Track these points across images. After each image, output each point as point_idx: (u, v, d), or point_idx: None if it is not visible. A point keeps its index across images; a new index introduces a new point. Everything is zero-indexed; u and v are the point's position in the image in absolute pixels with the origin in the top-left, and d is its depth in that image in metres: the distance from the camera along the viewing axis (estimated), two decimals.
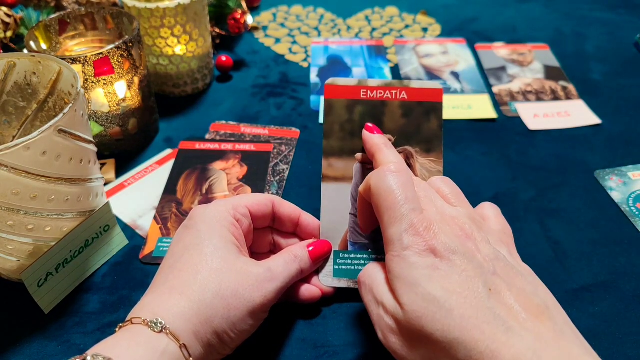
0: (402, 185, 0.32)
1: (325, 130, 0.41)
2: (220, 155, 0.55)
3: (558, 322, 0.28)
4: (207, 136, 0.58)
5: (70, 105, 0.36)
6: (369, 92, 0.41)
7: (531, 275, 0.31)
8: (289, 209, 0.41)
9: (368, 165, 0.41)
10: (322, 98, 0.64)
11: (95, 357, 0.28)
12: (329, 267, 0.40)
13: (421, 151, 0.41)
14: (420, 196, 0.33)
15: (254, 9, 0.86)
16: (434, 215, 0.32)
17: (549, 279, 0.43)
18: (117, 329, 0.31)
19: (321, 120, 0.61)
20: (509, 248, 0.33)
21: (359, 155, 0.41)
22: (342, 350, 0.38)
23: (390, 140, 0.41)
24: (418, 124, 0.41)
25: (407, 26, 0.81)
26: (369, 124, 0.40)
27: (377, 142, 0.38)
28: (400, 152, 0.41)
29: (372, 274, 0.33)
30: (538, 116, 0.61)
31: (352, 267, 0.40)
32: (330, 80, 0.41)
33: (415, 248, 0.30)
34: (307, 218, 0.41)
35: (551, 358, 0.25)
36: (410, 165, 0.41)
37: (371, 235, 0.40)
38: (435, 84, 0.41)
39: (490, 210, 0.36)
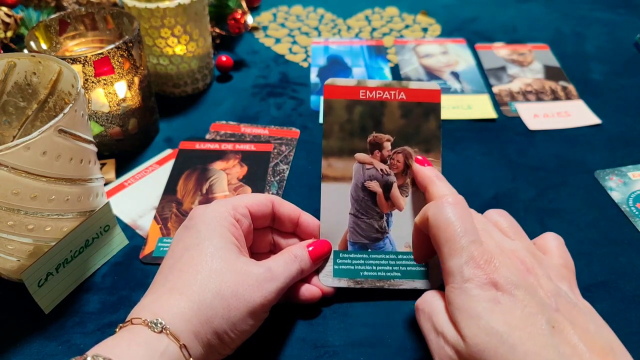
0: (460, 217, 0.32)
1: (325, 131, 0.42)
2: (221, 155, 0.55)
3: None
4: (207, 136, 0.58)
5: (71, 105, 0.36)
6: (368, 92, 0.41)
7: (594, 314, 0.30)
8: (288, 209, 0.41)
9: (367, 166, 0.41)
10: (322, 98, 0.64)
11: (96, 358, 0.28)
12: (329, 267, 0.40)
13: (420, 151, 0.41)
14: (478, 229, 0.32)
15: (254, 9, 0.86)
16: (494, 248, 0.31)
17: None
18: (117, 329, 0.31)
19: (321, 120, 0.61)
20: (570, 284, 0.32)
21: (358, 156, 0.41)
22: (342, 350, 0.38)
23: (389, 140, 0.41)
24: (417, 124, 0.41)
25: (407, 26, 0.81)
26: (419, 157, 0.40)
27: (430, 174, 0.38)
28: (399, 152, 0.41)
29: (431, 302, 0.33)
30: (538, 116, 0.61)
31: (352, 267, 0.40)
32: (329, 81, 0.42)
33: (477, 281, 0.30)
34: (306, 218, 0.41)
35: None
36: (409, 166, 0.41)
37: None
38: (433, 85, 0.41)
39: (552, 242, 0.35)
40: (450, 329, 0.30)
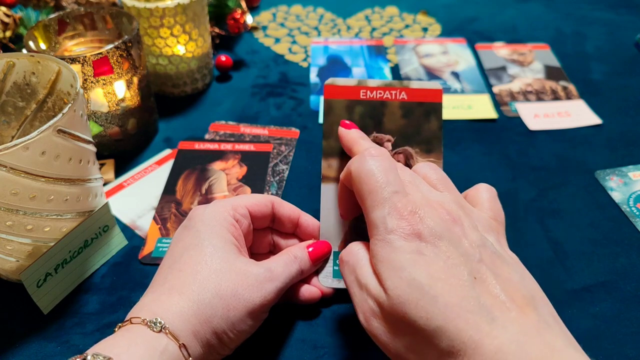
0: (383, 168, 0.32)
1: (325, 131, 0.41)
2: (220, 155, 0.55)
3: (543, 313, 0.27)
4: (207, 136, 0.58)
5: (70, 105, 0.36)
6: (368, 92, 0.41)
7: (518, 265, 0.31)
8: (288, 209, 0.41)
9: None
10: (321, 98, 0.64)
11: (95, 357, 0.28)
12: (329, 267, 0.40)
13: (421, 152, 0.41)
14: (404, 181, 0.32)
15: (253, 9, 0.86)
16: (420, 199, 0.31)
17: (549, 279, 0.43)
18: (116, 329, 0.31)
19: (321, 120, 0.61)
20: (497, 235, 0.32)
21: None
22: (341, 350, 0.38)
23: (390, 141, 0.41)
24: (418, 124, 0.41)
25: (407, 26, 0.81)
26: (345, 121, 0.39)
27: (354, 135, 0.38)
28: (400, 153, 0.41)
29: (356, 254, 0.33)
30: (538, 116, 0.61)
31: None
32: (329, 81, 0.41)
33: (400, 232, 0.29)
34: (306, 219, 0.41)
35: (534, 350, 0.25)
36: (409, 166, 0.41)
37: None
38: (435, 85, 0.41)
39: (484, 194, 0.35)
40: (373, 282, 0.30)
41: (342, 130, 0.39)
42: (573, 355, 0.26)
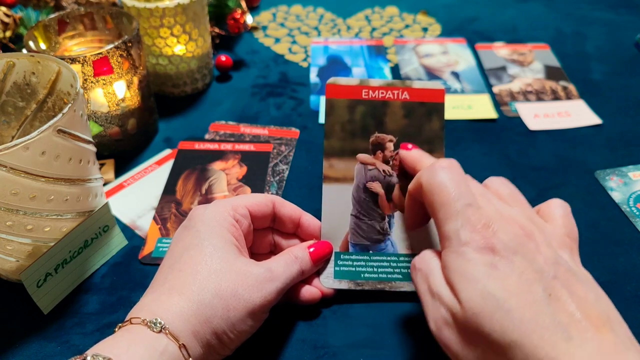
0: (455, 180, 0.32)
1: (327, 131, 0.41)
2: (220, 155, 0.55)
3: (620, 334, 0.27)
4: (207, 136, 0.58)
5: (70, 105, 0.36)
6: (370, 92, 0.41)
7: (593, 283, 0.30)
8: (290, 209, 0.40)
9: (369, 167, 0.41)
10: (321, 98, 0.64)
11: (95, 357, 0.28)
12: (330, 268, 0.40)
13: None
14: (475, 194, 0.32)
15: (253, 9, 0.86)
16: (493, 213, 0.30)
17: None
18: (116, 329, 0.31)
19: (321, 120, 0.61)
20: (571, 252, 0.31)
21: (360, 156, 0.41)
22: (341, 351, 0.38)
23: (392, 141, 0.41)
24: (420, 124, 0.41)
25: (407, 26, 0.81)
26: (407, 145, 0.39)
27: (417, 155, 0.38)
28: None
29: (428, 262, 0.32)
30: (538, 116, 0.61)
31: (353, 269, 0.40)
32: (331, 80, 0.41)
33: (474, 245, 0.29)
34: (308, 219, 0.41)
35: None
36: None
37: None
38: (437, 85, 0.41)
39: (557, 210, 0.34)
40: (446, 291, 0.30)
41: (403, 152, 0.39)
42: None
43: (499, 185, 0.35)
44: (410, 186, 0.35)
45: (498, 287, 0.27)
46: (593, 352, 0.25)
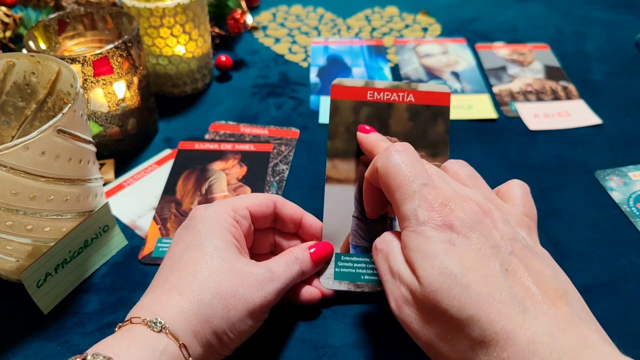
0: (410, 161, 0.32)
1: (331, 131, 0.41)
2: (220, 155, 0.55)
3: (575, 307, 0.27)
4: (207, 136, 0.58)
5: (70, 105, 0.36)
6: (375, 93, 0.41)
7: (549, 259, 0.31)
8: (291, 209, 0.40)
9: None
10: (321, 98, 0.64)
11: (95, 357, 0.28)
12: (330, 269, 0.40)
13: (427, 155, 0.40)
14: (431, 174, 0.32)
15: (253, 9, 0.86)
16: (449, 192, 0.31)
17: None
18: (116, 329, 0.31)
19: (321, 120, 0.61)
20: (529, 231, 0.32)
21: (363, 158, 0.41)
22: (341, 351, 0.38)
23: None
24: (424, 127, 0.40)
25: (407, 26, 0.81)
26: (365, 126, 0.40)
27: (374, 138, 0.38)
28: None
29: (389, 242, 0.33)
30: (538, 116, 0.61)
31: (354, 270, 0.40)
32: (336, 81, 0.41)
33: (432, 223, 0.29)
34: (310, 219, 0.41)
35: (567, 342, 0.25)
36: None
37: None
38: (443, 88, 0.40)
39: (516, 190, 0.35)
40: (405, 270, 0.30)
41: (360, 135, 0.39)
42: (606, 349, 0.26)
43: (457, 167, 0.36)
44: (367, 172, 0.36)
45: (455, 263, 0.28)
46: (548, 324, 0.26)
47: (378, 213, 0.39)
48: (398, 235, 0.33)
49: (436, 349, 0.29)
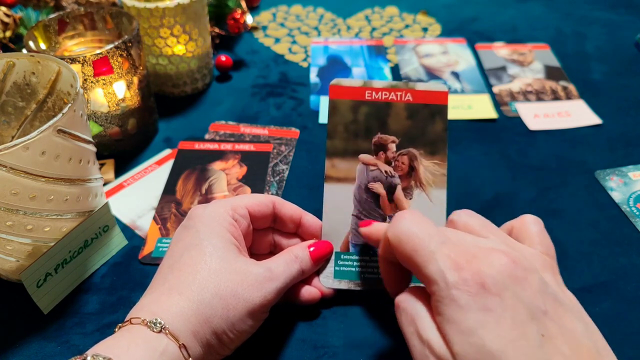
0: (418, 223, 0.30)
1: (329, 131, 0.41)
2: (220, 155, 0.55)
3: None
4: (207, 136, 0.58)
5: (70, 105, 0.36)
6: (374, 93, 0.41)
7: (578, 308, 0.30)
8: (290, 209, 0.40)
9: (371, 167, 0.41)
10: (321, 98, 0.64)
11: (95, 357, 0.28)
12: (330, 268, 0.40)
13: (425, 153, 0.41)
14: (445, 232, 0.31)
15: (253, 9, 0.86)
16: (471, 247, 0.29)
17: None
18: (116, 329, 0.31)
19: (321, 120, 0.61)
20: (552, 272, 0.31)
21: (362, 157, 0.41)
22: (341, 351, 0.38)
23: (394, 142, 0.41)
24: (423, 126, 0.41)
25: (407, 26, 0.81)
26: (362, 223, 0.38)
27: (376, 226, 0.36)
28: (404, 154, 0.41)
29: (414, 304, 0.30)
30: (538, 116, 0.61)
31: (353, 269, 0.40)
32: (335, 81, 0.41)
33: (464, 286, 0.27)
34: (309, 218, 0.41)
35: None
36: (414, 168, 0.41)
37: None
38: (441, 87, 0.41)
39: (532, 226, 0.33)
40: (437, 340, 0.28)
41: (364, 229, 0.37)
42: None
43: (467, 218, 0.33)
44: (380, 249, 0.34)
45: (494, 337, 0.26)
46: None
47: (401, 289, 0.35)
48: (422, 293, 0.31)
49: None
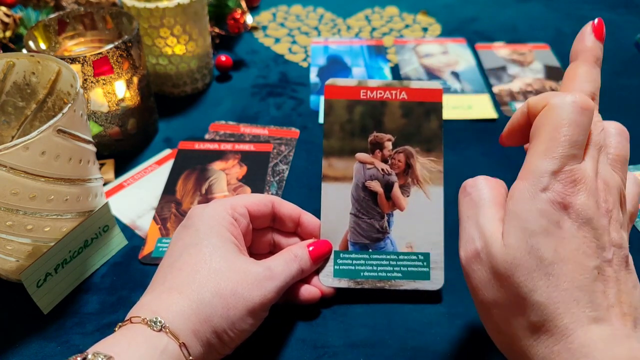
0: (580, 125, 0.28)
1: (326, 130, 0.42)
2: (220, 155, 0.55)
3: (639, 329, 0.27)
4: (207, 136, 0.58)
5: (70, 105, 0.36)
6: (369, 92, 0.41)
7: (635, 275, 0.29)
8: (289, 208, 0.41)
9: (368, 166, 0.41)
10: (321, 98, 0.64)
11: (96, 356, 0.28)
12: (329, 267, 0.40)
13: (421, 151, 0.41)
14: (593, 141, 0.29)
15: (253, 9, 0.86)
16: (589, 174, 0.28)
17: None
18: (116, 328, 0.31)
19: (321, 120, 0.61)
20: (628, 234, 0.30)
21: (359, 155, 0.41)
22: (341, 350, 0.38)
23: (390, 140, 0.41)
24: (418, 123, 0.41)
25: (407, 26, 0.81)
26: (596, 23, 0.33)
27: (583, 73, 0.32)
28: (400, 152, 0.41)
29: (481, 190, 0.31)
30: None
31: (353, 267, 0.40)
32: (330, 81, 0.42)
33: (552, 195, 0.27)
34: (307, 218, 0.41)
35: (620, 353, 0.25)
36: (410, 165, 0.41)
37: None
38: (435, 84, 0.41)
39: (634, 189, 0.32)
40: (491, 227, 0.29)
41: (579, 45, 0.33)
42: None
43: (620, 141, 0.31)
44: (534, 99, 0.31)
45: (551, 248, 0.27)
46: (608, 334, 0.25)
47: (514, 142, 0.35)
48: (494, 183, 0.31)
49: (489, 311, 0.28)
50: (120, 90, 0.52)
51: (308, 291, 0.39)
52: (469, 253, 0.29)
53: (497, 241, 0.28)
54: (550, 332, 0.26)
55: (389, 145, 0.41)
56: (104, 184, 0.51)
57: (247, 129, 0.59)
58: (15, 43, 0.68)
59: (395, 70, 0.70)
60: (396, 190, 0.41)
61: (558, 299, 0.26)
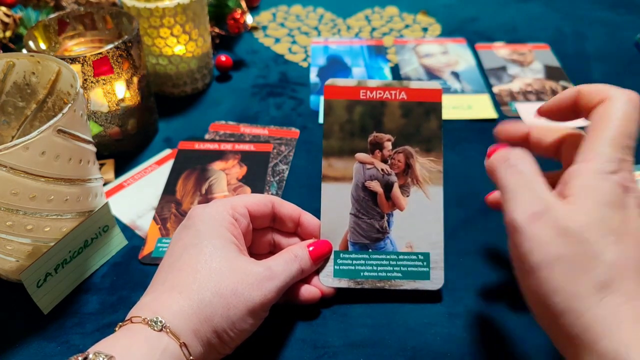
0: (637, 121, 0.31)
1: (325, 131, 0.42)
2: (220, 155, 0.55)
3: None
4: (207, 136, 0.58)
5: (70, 105, 0.36)
6: (368, 92, 0.41)
7: None
8: (289, 208, 0.41)
9: (368, 166, 0.41)
10: (321, 98, 0.64)
11: (97, 355, 0.28)
12: (330, 267, 0.40)
13: (421, 151, 0.41)
14: None
15: (253, 9, 0.86)
16: None
17: None
18: (116, 328, 0.31)
19: (321, 120, 0.61)
20: None
21: (358, 155, 0.41)
22: (341, 350, 0.38)
23: (390, 140, 0.41)
24: (418, 124, 0.41)
25: (407, 26, 0.81)
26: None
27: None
28: (400, 152, 0.41)
29: (528, 162, 0.32)
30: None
31: (353, 267, 0.40)
32: (329, 81, 0.42)
33: (619, 178, 0.29)
34: (307, 218, 0.41)
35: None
36: (410, 165, 0.41)
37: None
38: (434, 84, 0.41)
39: None
40: (549, 194, 0.30)
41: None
42: None
43: None
44: (588, 89, 0.33)
45: (619, 220, 0.28)
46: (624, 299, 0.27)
47: (551, 117, 0.36)
48: (532, 159, 0.32)
49: (550, 269, 0.28)
50: (120, 90, 0.52)
51: (308, 291, 0.39)
52: (529, 214, 0.29)
53: (561, 205, 0.29)
54: (618, 292, 0.27)
55: (388, 145, 0.41)
56: (104, 184, 0.51)
57: (247, 129, 0.59)
58: (15, 43, 0.68)
59: (395, 70, 0.70)
60: (396, 190, 0.41)
61: (627, 264, 0.27)
